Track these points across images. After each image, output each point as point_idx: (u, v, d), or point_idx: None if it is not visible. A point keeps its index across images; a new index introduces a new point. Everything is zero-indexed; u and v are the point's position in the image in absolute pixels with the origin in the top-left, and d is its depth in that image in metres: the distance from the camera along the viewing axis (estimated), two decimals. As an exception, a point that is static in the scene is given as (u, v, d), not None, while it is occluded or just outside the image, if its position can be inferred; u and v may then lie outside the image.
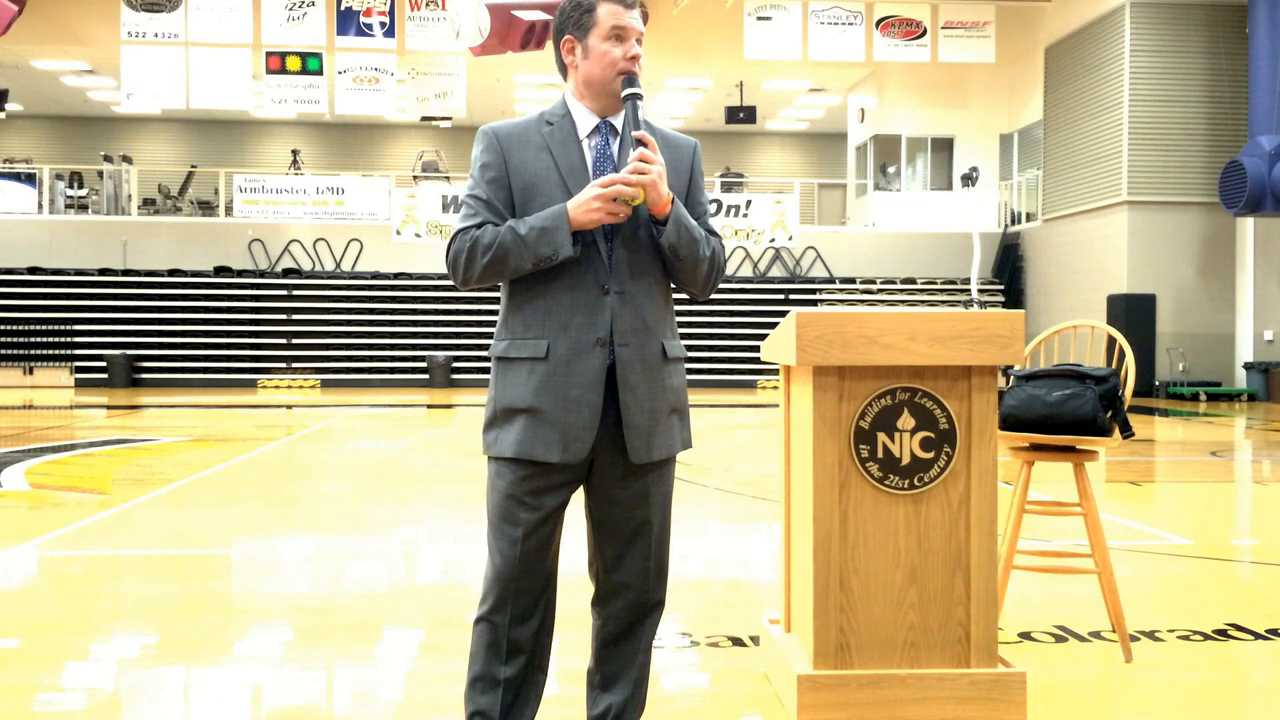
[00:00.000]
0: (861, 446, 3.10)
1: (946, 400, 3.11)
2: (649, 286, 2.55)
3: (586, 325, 2.49)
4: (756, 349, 19.30)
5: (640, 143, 2.45)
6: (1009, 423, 3.83)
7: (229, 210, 23.63)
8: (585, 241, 2.50)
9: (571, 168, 2.53)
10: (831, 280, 23.66)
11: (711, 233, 2.63)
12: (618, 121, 2.60)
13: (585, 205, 2.44)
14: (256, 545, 6.05)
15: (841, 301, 23.15)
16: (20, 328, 21.87)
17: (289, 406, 17.25)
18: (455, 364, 22.07)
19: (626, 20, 2.53)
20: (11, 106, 26.46)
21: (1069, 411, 3.74)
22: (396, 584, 5.21)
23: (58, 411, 16.07)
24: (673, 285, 2.66)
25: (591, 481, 2.60)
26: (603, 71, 2.54)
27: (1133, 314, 19.18)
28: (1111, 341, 4.19)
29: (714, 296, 23.00)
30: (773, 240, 22.80)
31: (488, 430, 2.60)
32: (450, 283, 24.22)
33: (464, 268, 2.51)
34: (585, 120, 2.58)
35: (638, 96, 2.51)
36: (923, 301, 23.34)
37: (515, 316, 2.57)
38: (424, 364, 22.17)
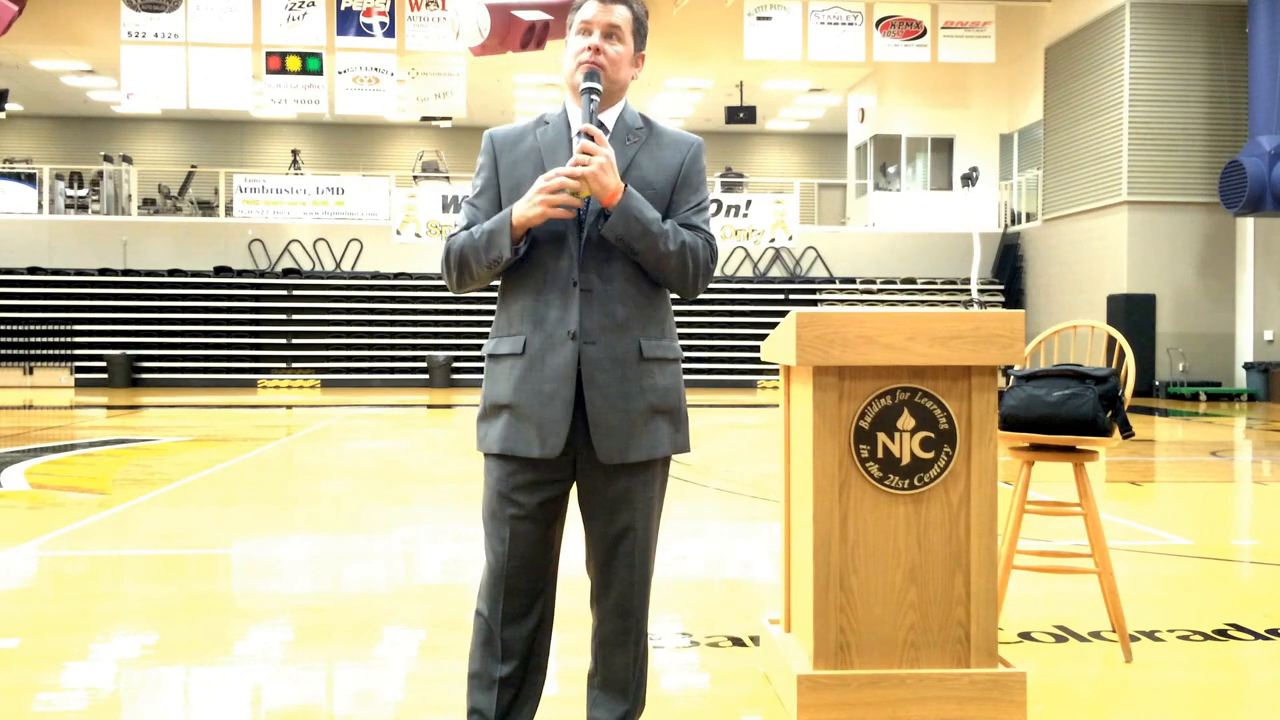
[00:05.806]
0: (861, 446, 3.10)
1: (946, 400, 3.11)
2: (621, 284, 2.52)
3: (559, 320, 2.50)
4: (756, 349, 19.27)
5: (588, 136, 2.43)
6: (1009, 423, 3.82)
7: (229, 210, 23.62)
8: (556, 236, 2.50)
9: (557, 167, 2.50)
10: (831, 280, 23.66)
11: (696, 229, 2.56)
12: (608, 119, 2.59)
13: (528, 203, 2.45)
14: (256, 545, 6.05)
15: (841, 301, 23.15)
16: (20, 328, 21.86)
17: (289, 406, 17.24)
18: (455, 364, 22.07)
19: (590, 13, 2.55)
20: (11, 106, 26.45)
21: (1069, 411, 3.74)
22: (396, 584, 5.21)
23: (58, 411, 16.06)
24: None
25: (577, 482, 2.60)
26: (568, 65, 2.57)
27: (1133, 314, 19.18)
28: (1111, 341, 4.18)
29: (714, 296, 22.81)
30: (773, 240, 22.79)
31: (480, 426, 2.64)
32: (449, 282, 24.55)
33: (446, 276, 2.59)
34: (577, 119, 2.56)
35: (593, 91, 2.50)
36: (923, 301, 23.33)
37: (502, 314, 2.62)
38: (424, 364, 22.16)
